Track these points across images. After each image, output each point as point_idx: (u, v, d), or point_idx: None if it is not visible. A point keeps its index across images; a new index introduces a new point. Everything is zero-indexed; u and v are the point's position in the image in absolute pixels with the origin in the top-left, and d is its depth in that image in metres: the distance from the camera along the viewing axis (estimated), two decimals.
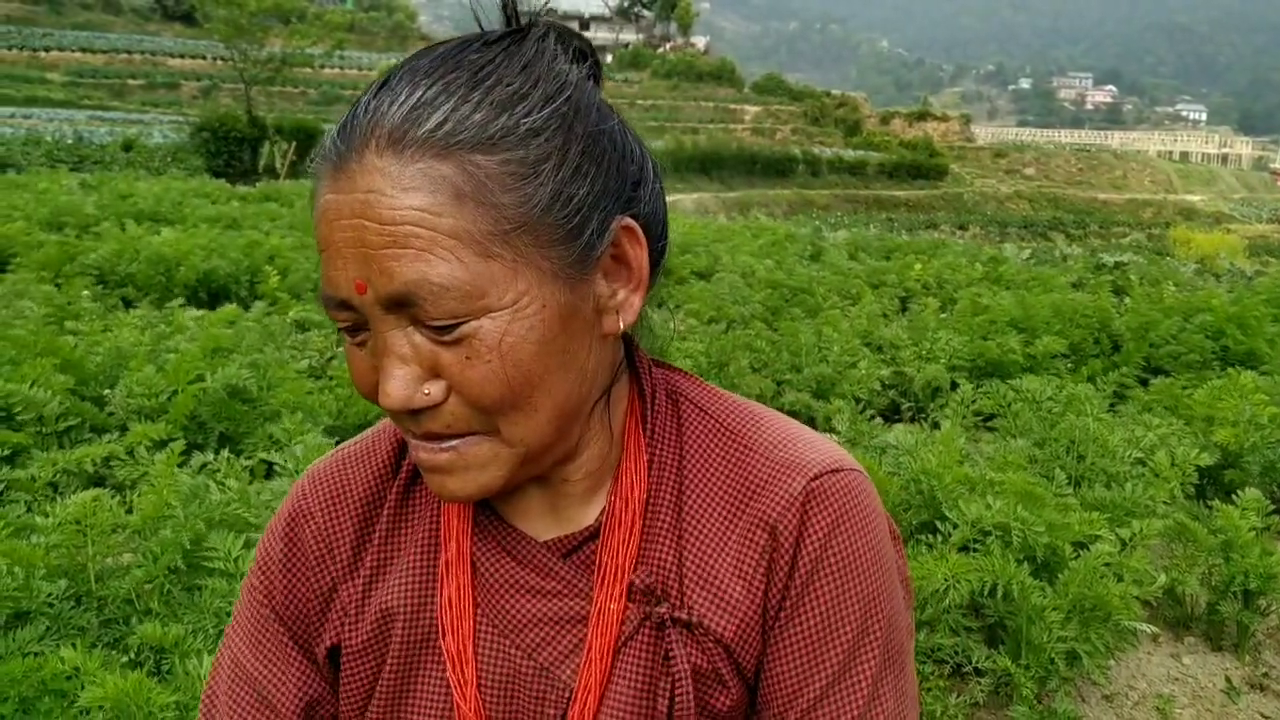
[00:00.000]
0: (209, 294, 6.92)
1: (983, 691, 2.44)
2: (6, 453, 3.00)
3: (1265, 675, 2.86)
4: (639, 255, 0.75)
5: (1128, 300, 7.13)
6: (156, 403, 3.54)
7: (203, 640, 1.89)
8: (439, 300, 0.66)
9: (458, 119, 0.66)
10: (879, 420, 4.40)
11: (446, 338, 0.67)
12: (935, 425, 4.17)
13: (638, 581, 0.78)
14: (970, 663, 2.44)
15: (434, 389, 0.69)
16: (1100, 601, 2.43)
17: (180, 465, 2.74)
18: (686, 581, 0.78)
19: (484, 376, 0.68)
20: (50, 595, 1.94)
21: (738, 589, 0.78)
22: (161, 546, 2.07)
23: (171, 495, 2.24)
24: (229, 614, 2.01)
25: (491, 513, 0.82)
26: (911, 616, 0.84)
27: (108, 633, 2.00)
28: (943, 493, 2.70)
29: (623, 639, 0.78)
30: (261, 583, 0.86)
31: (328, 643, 0.85)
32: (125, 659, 1.93)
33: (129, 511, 2.31)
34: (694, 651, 0.77)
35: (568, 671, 0.79)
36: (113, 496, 2.43)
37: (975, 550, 2.50)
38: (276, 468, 2.63)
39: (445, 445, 0.71)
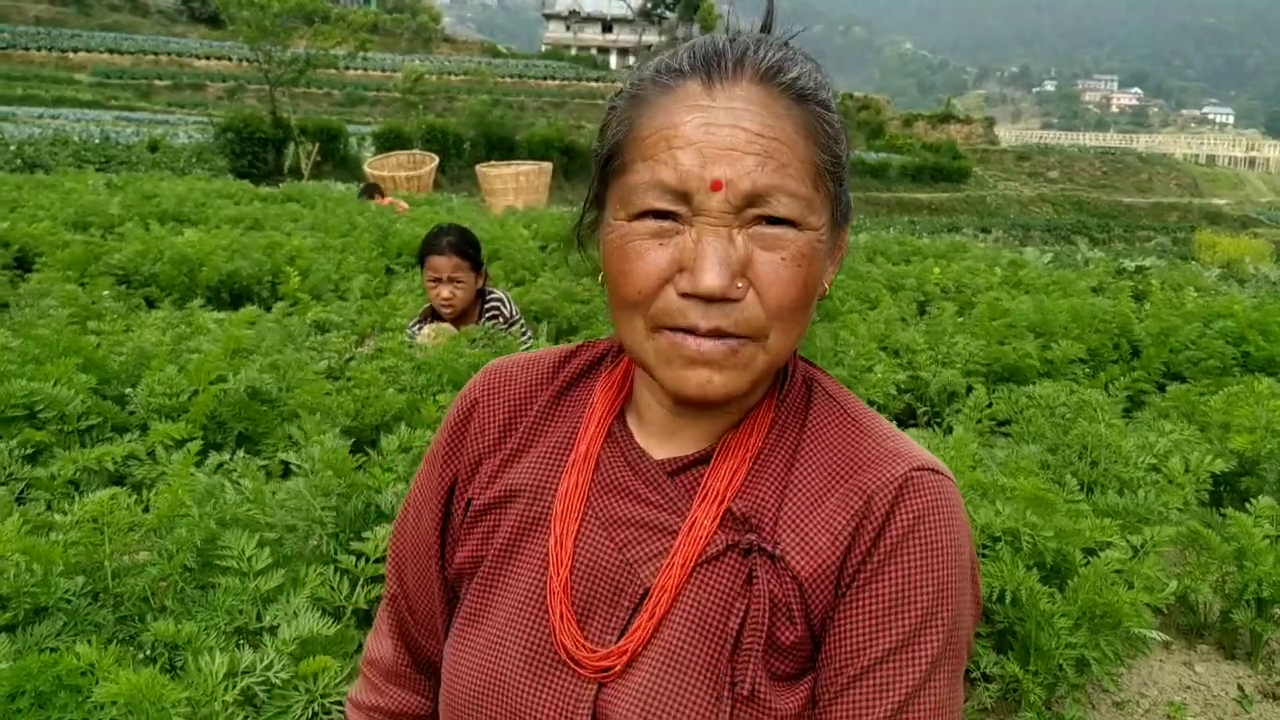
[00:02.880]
0: (231, 295, 6.98)
1: (990, 697, 2.45)
2: (29, 451, 3.05)
3: (1278, 684, 2.84)
4: (845, 239, 0.94)
5: (1148, 305, 7.08)
6: (177, 402, 3.58)
7: (215, 637, 1.93)
8: (786, 203, 0.81)
9: (810, 78, 0.84)
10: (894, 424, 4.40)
11: (774, 230, 0.82)
12: (949, 430, 4.16)
13: (736, 509, 0.88)
14: (979, 668, 2.44)
15: (742, 285, 0.82)
16: (1110, 608, 2.42)
17: (199, 465, 2.78)
18: (780, 523, 0.87)
19: (791, 278, 0.83)
20: (67, 592, 1.98)
21: (823, 539, 0.86)
22: (176, 545, 2.10)
23: (187, 495, 2.28)
24: (242, 611, 2.05)
25: (625, 431, 0.95)
26: (973, 634, 0.91)
27: (123, 629, 2.03)
28: None
29: (706, 555, 0.87)
30: (436, 447, 1.05)
31: (467, 498, 1.01)
32: (141, 655, 1.96)
33: (146, 510, 2.35)
34: (772, 581, 0.85)
35: (648, 571, 0.88)
36: (132, 495, 2.47)
37: (985, 556, 2.50)
38: (293, 468, 2.66)
39: (725, 342, 0.83)
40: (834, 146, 0.85)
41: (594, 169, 0.90)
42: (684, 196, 0.80)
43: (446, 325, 4.34)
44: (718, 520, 0.88)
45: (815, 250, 0.84)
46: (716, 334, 0.82)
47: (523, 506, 0.96)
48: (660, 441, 0.94)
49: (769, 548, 0.86)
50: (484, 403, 1.03)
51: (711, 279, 0.80)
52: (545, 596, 0.91)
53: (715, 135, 0.79)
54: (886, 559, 0.85)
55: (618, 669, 0.86)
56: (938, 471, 0.88)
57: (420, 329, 4.46)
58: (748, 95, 0.81)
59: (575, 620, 0.89)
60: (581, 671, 0.87)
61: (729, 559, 0.87)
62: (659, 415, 0.94)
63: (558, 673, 0.88)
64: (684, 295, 0.82)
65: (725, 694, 0.83)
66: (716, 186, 0.79)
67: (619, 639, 0.87)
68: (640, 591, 0.88)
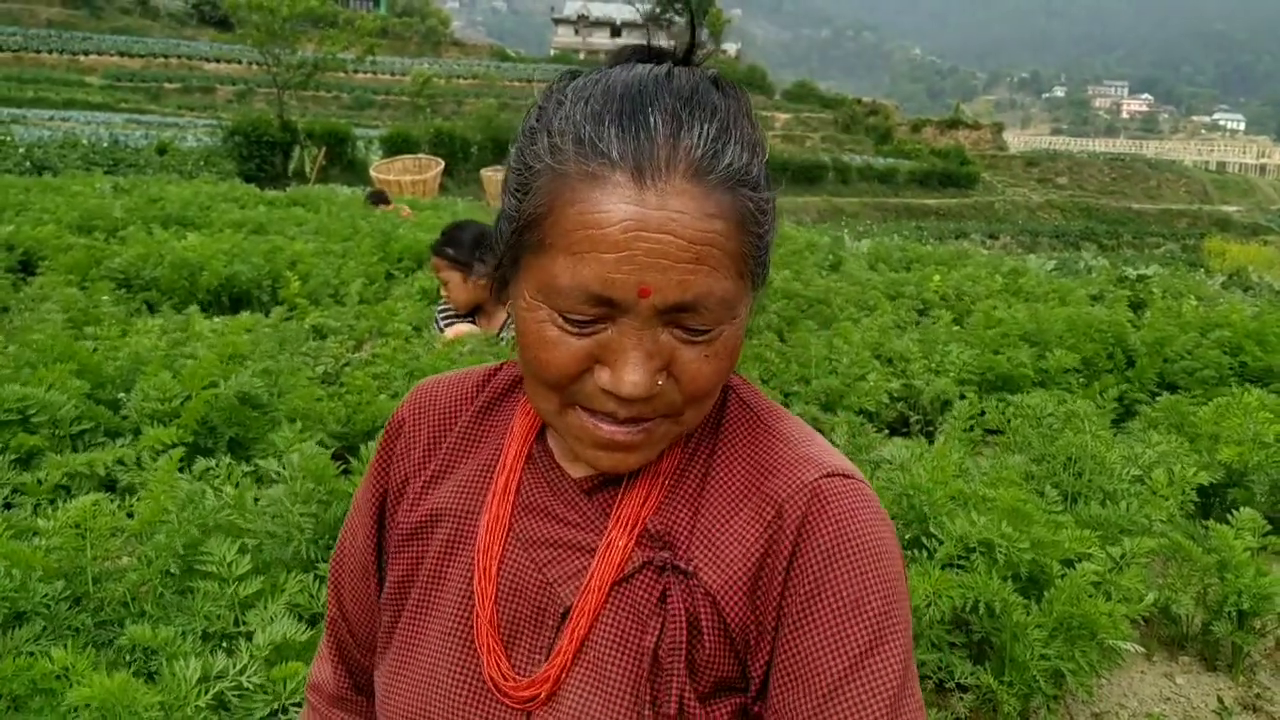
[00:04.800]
0: (230, 299, 7.02)
1: (965, 707, 2.46)
2: (20, 456, 3.08)
3: (1258, 696, 2.85)
4: (764, 287, 0.91)
5: (1147, 314, 7.08)
6: (170, 407, 3.60)
7: (192, 642, 1.95)
8: (714, 310, 0.79)
9: (741, 161, 0.79)
10: (886, 433, 4.41)
11: (700, 339, 0.80)
12: (932, 439, 4.17)
13: (652, 527, 0.87)
14: (953, 678, 2.45)
15: (664, 379, 0.81)
16: (1086, 619, 2.43)
17: (187, 470, 2.80)
18: (695, 537, 0.87)
19: (714, 370, 0.82)
20: (46, 596, 2.00)
21: (735, 551, 0.86)
22: (156, 551, 2.13)
23: (169, 500, 2.30)
24: (219, 616, 2.07)
25: (545, 450, 0.95)
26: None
27: (102, 634, 2.05)
28: (932, 508, 2.71)
29: (623, 575, 0.87)
30: (369, 469, 1.06)
31: (396, 519, 1.01)
32: (123, 659, 1.99)
33: (130, 515, 2.38)
34: (686, 597, 0.85)
35: (567, 591, 0.88)
36: (119, 500, 2.49)
37: (961, 567, 2.52)
38: (274, 474, 2.68)
39: (642, 426, 0.83)
40: (761, 228, 0.81)
41: (505, 225, 0.84)
42: (609, 302, 0.77)
43: (473, 327, 4.35)
44: (633, 542, 0.87)
45: (738, 336, 0.83)
46: (633, 420, 0.82)
47: (447, 530, 0.96)
48: (577, 460, 0.92)
49: (682, 564, 0.85)
50: (410, 422, 1.03)
51: (633, 386, 0.78)
52: (472, 627, 0.91)
53: (645, 242, 0.75)
54: (822, 575, 0.82)
55: (542, 696, 0.86)
56: (848, 476, 0.87)
57: (447, 314, 4.46)
58: (681, 194, 0.75)
59: (504, 652, 0.89)
60: (508, 703, 0.88)
61: (644, 576, 0.86)
62: None
63: (489, 703, 0.89)
64: (603, 390, 0.81)
65: (648, 713, 0.83)
66: (645, 293, 0.76)
67: (546, 659, 0.87)
68: (561, 611, 0.88)
